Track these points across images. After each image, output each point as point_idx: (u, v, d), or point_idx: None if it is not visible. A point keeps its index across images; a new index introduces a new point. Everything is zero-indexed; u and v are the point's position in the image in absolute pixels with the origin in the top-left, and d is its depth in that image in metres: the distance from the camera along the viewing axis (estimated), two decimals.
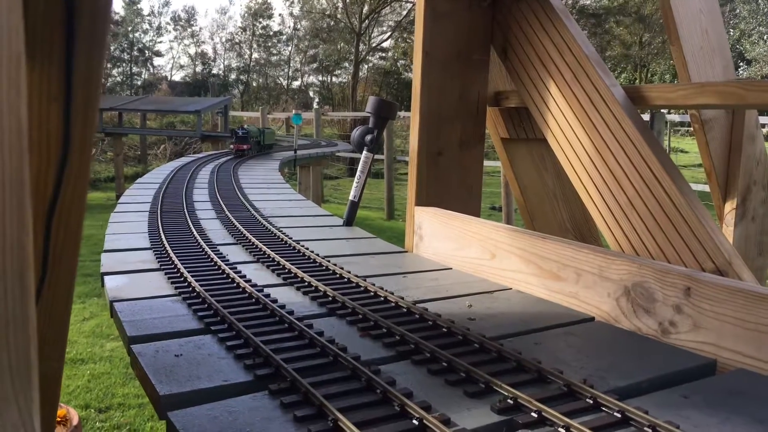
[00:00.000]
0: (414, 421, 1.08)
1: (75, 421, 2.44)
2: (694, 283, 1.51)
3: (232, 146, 8.68)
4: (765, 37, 30.12)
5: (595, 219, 2.21)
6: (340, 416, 1.07)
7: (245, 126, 9.13)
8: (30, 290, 0.55)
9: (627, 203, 2.04)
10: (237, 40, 42.20)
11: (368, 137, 2.99)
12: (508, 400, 1.17)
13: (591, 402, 1.16)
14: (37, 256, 0.74)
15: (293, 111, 16.04)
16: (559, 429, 1.07)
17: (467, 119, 2.55)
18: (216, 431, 1.06)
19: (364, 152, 3.04)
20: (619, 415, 1.11)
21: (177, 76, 42.91)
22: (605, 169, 2.10)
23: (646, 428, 1.07)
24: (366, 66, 35.67)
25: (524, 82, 2.44)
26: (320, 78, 41.06)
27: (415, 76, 2.50)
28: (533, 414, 1.12)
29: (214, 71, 42.11)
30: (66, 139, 0.65)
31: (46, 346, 0.97)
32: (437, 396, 1.21)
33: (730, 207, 3.20)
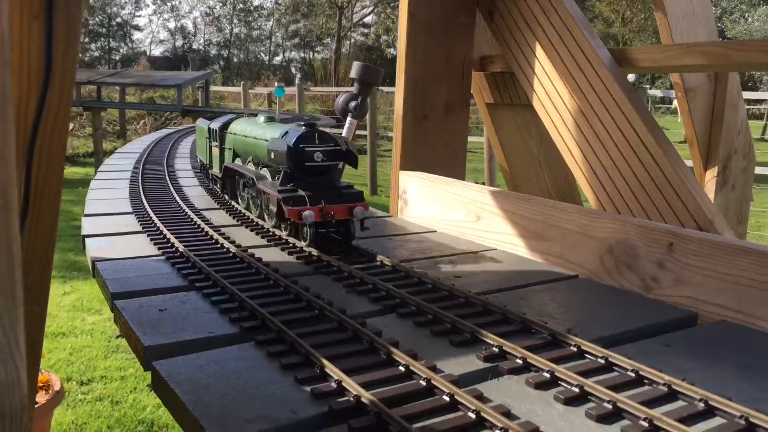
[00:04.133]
0: (401, 368, 1.08)
1: (57, 386, 2.42)
2: (676, 239, 1.52)
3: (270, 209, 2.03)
4: (746, 16, 30.28)
5: (579, 181, 2.21)
6: (328, 363, 1.07)
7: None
8: (13, 205, 0.54)
9: (611, 165, 2.05)
10: (217, 14, 41.52)
11: (352, 103, 2.96)
12: (494, 348, 1.17)
13: (575, 350, 1.18)
14: (18, 189, 0.72)
15: (276, 85, 15.84)
16: (545, 374, 1.08)
17: (453, 82, 2.53)
18: (202, 379, 1.06)
19: (348, 119, 3.01)
20: (602, 361, 1.12)
21: (156, 51, 42.17)
22: (590, 131, 2.11)
23: (629, 373, 1.08)
24: (348, 42, 35.32)
25: (510, 46, 2.43)
26: (302, 54, 40.63)
27: (401, 38, 2.47)
28: (518, 361, 1.13)
29: (194, 46, 41.46)
30: (48, 61, 0.63)
31: (28, 291, 0.95)
32: (423, 346, 1.22)
33: (711, 175, 3.24)
